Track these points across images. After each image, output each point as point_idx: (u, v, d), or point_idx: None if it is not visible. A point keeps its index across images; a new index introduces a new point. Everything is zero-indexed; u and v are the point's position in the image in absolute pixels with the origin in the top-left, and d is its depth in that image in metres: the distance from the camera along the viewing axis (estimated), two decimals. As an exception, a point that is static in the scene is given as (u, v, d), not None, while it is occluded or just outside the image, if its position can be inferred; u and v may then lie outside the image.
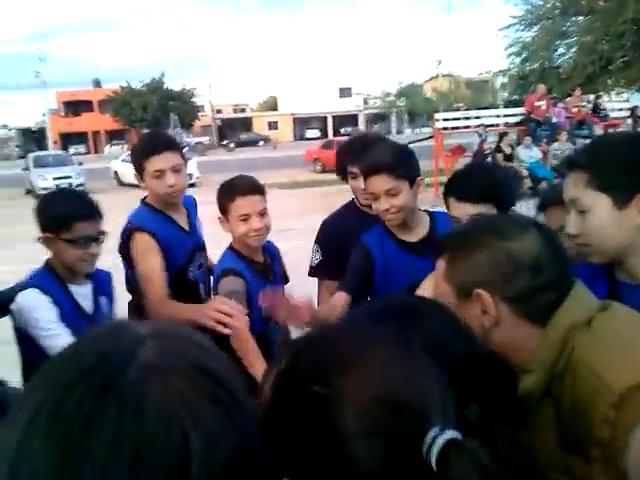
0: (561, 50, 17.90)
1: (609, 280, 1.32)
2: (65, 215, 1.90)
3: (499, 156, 11.82)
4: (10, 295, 1.87)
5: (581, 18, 16.66)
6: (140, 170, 2.24)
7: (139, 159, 2.23)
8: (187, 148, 22.77)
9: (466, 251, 1.03)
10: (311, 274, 2.44)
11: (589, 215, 1.25)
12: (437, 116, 14.04)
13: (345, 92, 57.89)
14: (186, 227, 2.37)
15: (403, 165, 1.94)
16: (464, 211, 1.64)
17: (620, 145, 1.26)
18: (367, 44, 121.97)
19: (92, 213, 1.96)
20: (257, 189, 2.12)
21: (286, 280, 2.41)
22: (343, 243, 2.18)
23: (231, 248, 2.20)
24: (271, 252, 2.30)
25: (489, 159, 11.75)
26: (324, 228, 2.43)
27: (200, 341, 0.54)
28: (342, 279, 2.06)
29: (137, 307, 2.26)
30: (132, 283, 2.28)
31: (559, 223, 1.52)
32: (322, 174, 18.93)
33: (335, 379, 0.57)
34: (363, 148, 2.21)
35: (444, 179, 12.90)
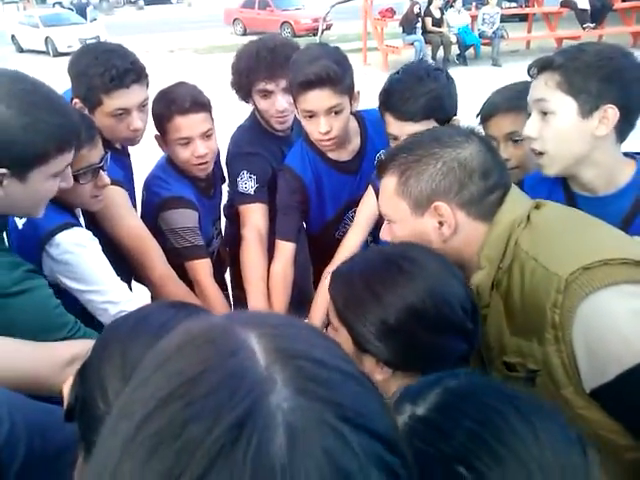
0: None
1: (566, 192, 1.34)
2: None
3: (428, 20, 11.41)
4: None
5: None
6: None
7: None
8: (91, 7, 20.60)
9: (418, 164, 1.06)
10: (248, 202, 1.90)
11: (552, 118, 1.23)
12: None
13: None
14: None
15: (347, 76, 1.63)
16: (404, 130, 1.49)
17: (599, 54, 1.22)
18: None
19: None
20: (200, 105, 1.75)
21: (223, 180, 2.10)
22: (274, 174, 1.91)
23: (170, 161, 1.85)
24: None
25: (418, 24, 11.34)
26: (249, 155, 1.93)
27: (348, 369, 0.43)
28: (279, 224, 1.81)
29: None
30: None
31: (503, 132, 1.56)
32: (243, 37, 17.76)
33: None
34: (283, 58, 1.77)
35: (372, 44, 12.45)
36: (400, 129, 1.51)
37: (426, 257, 0.96)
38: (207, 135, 1.76)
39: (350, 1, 14.45)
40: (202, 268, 1.74)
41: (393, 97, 1.54)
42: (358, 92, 1.72)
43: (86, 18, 18.39)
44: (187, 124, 1.72)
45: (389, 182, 1.10)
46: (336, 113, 1.62)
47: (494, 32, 11.63)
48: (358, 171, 1.83)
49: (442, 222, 1.05)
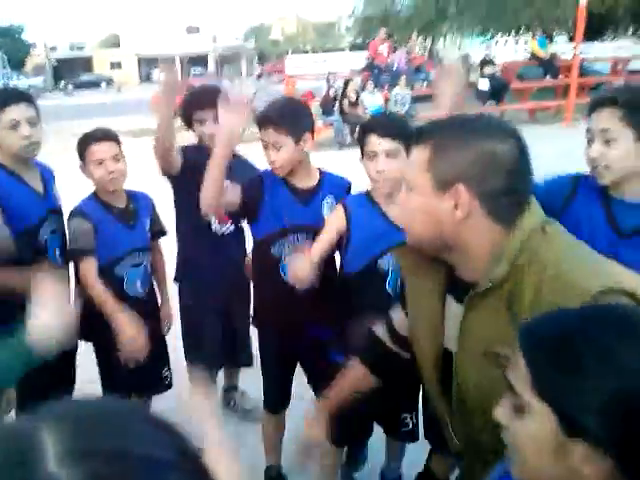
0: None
1: (604, 197, 1.72)
2: None
3: (345, 102, 12.33)
4: None
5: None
6: None
7: None
8: (19, 92, 20.60)
9: (454, 146, 1.09)
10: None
11: (614, 143, 1.63)
12: (287, 62, 14.22)
13: (193, 31, 55.48)
14: (39, 189, 2.35)
15: (288, 122, 2.08)
16: (383, 147, 1.96)
17: None
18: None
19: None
20: (110, 136, 2.40)
21: (162, 232, 2.70)
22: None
23: (93, 193, 2.45)
24: (139, 200, 2.55)
25: (336, 106, 12.25)
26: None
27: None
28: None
29: None
30: None
31: None
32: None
33: None
34: (210, 95, 2.34)
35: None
36: (381, 144, 1.97)
37: None
38: (116, 158, 2.36)
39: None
40: (87, 269, 2.32)
41: (377, 121, 2.09)
42: (310, 135, 2.14)
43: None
44: (100, 149, 2.34)
45: (421, 153, 1.13)
46: (277, 149, 2.08)
47: (405, 112, 12.69)
48: (307, 204, 2.21)
49: (457, 205, 1.08)
